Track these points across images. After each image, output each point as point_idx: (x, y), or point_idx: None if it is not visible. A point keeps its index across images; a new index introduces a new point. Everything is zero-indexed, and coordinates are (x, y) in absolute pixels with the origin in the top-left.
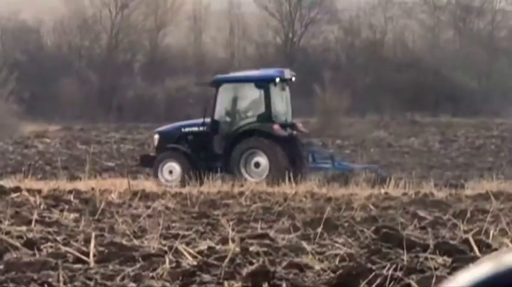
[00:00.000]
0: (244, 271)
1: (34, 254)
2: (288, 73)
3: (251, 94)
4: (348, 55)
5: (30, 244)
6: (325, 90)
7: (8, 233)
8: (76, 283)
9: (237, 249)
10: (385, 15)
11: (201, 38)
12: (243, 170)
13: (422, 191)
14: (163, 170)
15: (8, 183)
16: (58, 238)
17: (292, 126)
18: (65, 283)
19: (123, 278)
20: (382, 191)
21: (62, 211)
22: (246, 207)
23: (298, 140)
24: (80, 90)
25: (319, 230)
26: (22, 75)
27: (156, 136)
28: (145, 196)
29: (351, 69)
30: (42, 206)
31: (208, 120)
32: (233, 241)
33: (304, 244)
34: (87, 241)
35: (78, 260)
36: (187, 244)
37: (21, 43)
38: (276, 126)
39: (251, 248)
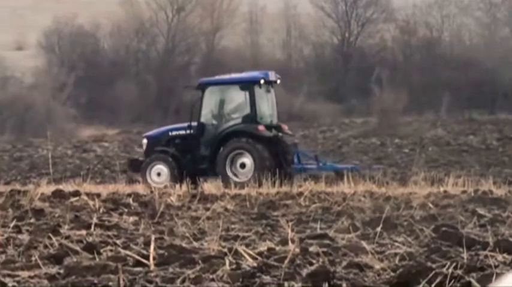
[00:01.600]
0: (304, 272)
1: (94, 258)
2: (272, 75)
3: (236, 96)
4: (405, 54)
5: (90, 248)
6: (383, 90)
7: (67, 237)
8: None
9: (297, 250)
10: (441, 13)
11: (257, 39)
12: (229, 171)
13: (482, 188)
14: (152, 173)
15: (67, 187)
16: (118, 242)
17: (278, 128)
18: None
19: (183, 281)
20: (441, 189)
21: (121, 214)
22: (305, 207)
23: (284, 141)
24: (137, 93)
25: (379, 229)
26: (79, 79)
27: (145, 140)
28: (205, 198)
29: (407, 68)
30: (101, 210)
31: (194, 123)
32: (293, 241)
33: (364, 243)
34: (147, 244)
35: (138, 264)
36: (247, 245)
37: (79, 47)
38: (260, 127)
39: (311, 249)
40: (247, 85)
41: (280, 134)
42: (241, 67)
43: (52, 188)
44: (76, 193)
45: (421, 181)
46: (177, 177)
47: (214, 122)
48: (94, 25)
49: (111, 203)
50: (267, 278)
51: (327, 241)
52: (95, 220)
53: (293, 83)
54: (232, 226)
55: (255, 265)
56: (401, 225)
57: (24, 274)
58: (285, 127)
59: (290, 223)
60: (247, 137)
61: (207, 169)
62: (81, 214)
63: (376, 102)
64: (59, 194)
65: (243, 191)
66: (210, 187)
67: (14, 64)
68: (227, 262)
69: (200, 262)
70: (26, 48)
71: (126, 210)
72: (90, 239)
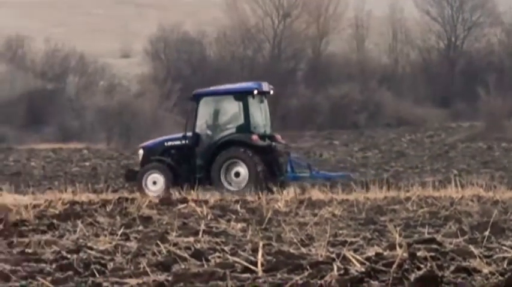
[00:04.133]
0: (412, 276)
1: (202, 265)
2: (266, 86)
3: (230, 107)
4: None
5: (198, 255)
6: (490, 94)
7: (175, 244)
8: None
9: (405, 254)
10: None
11: (363, 44)
12: (223, 180)
13: None
14: (148, 181)
15: (175, 194)
16: (226, 248)
17: (271, 137)
18: None
19: None
20: None
21: (229, 220)
22: (413, 212)
23: (277, 151)
24: None
25: (487, 233)
26: (185, 86)
27: (141, 151)
28: (312, 204)
29: None
30: (209, 217)
31: (189, 134)
32: (400, 246)
33: (472, 247)
34: (254, 250)
35: (246, 270)
36: (355, 250)
37: (185, 55)
38: (254, 137)
39: (419, 253)
40: (241, 96)
41: (273, 143)
42: (347, 72)
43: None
44: (184, 200)
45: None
46: (172, 185)
47: (209, 132)
48: (200, 32)
49: (218, 210)
50: (375, 283)
51: (434, 246)
52: (202, 227)
53: (400, 88)
54: (340, 231)
55: (363, 270)
56: (509, 229)
57: (133, 281)
58: (278, 137)
59: (398, 228)
60: (241, 146)
61: (202, 178)
62: (189, 220)
63: (483, 106)
64: (166, 201)
65: (351, 197)
66: (317, 192)
67: (121, 72)
68: (335, 268)
69: (308, 267)
70: (132, 56)
71: (233, 216)
72: (198, 246)
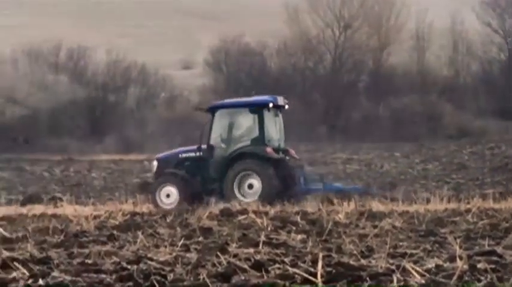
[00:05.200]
0: None
1: (262, 276)
2: (281, 100)
3: (245, 119)
4: None
5: (257, 266)
6: None
7: (235, 255)
8: None
9: (465, 266)
10: None
11: (424, 55)
12: (237, 192)
13: None
14: (161, 194)
15: (235, 206)
16: (286, 259)
17: (285, 151)
18: None
19: None
20: None
21: (289, 232)
22: (473, 224)
23: (291, 164)
24: (304, 111)
25: None
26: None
27: (155, 163)
28: (372, 216)
29: None
30: (269, 228)
31: (204, 146)
32: (461, 258)
33: None
34: (314, 262)
35: (306, 281)
36: (415, 262)
37: (245, 66)
38: (268, 149)
39: (479, 265)
40: (257, 109)
41: (287, 157)
42: (408, 84)
43: (220, 206)
44: (244, 211)
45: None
46: (186, 198)
47: (223, 144)
48: (261, 43)
49: (278, 221)
50: None
51: (495, 258)
52: (262, 238)
53: (460, 100)
54: (400, 243)
55: (423, 282)
56: None
57: None
58: (292, 152)
59: (458, 240)
60: (255, 158)
61: (215, 189)
62: (249, 232)
63: None
64: (226, 213)
65: (411, 208)
66: (377, 204)
67: (182, 83)
68: (395, 279)
69: (368, 279)
70: (193, 67)
71: (294, 228)
72: (258, 257)
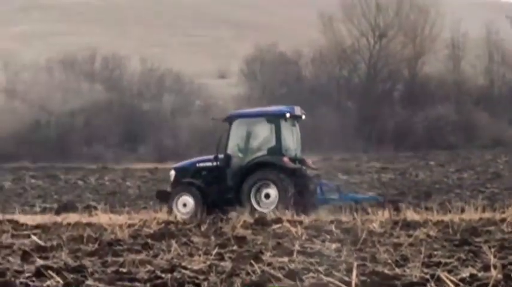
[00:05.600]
0: None
1: (296, 285)
2: (298, 110)
3: (262, 129)
4: None
5: (291, 275)
6: None
7: (269, 264)
8: None
9: (499, 276)
10: None
11: (459, 65)
12: (253, 201)
13: None
14: (178, 204)
15: (270, 215)
16: (320, 268)
17: (302, 161)
18: None
19: None
20: None
21: (323, 241)
22: (508, 234)
23: (307, 174)
24: (339, 120)
25: None
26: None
27: (172, 172)
28: (407, 225)
29: None
30: (303, 237)
31: (221, 155)
32: (495, 267)
33: None
34: (349, 271)
35: None
36: (449, 271)
37: (280, 75)
38: (285, 159)
39: None
40: (274, 118)
41: (304, 167)
42: (443, 93)
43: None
44: (278, 220)
45: None
46: (202, 208)
47: (240, 154)
48: (296, 52)
49: (313, 230)
50: None
51: None
52: (297, 247)
53: (495, 109)
54: (435, 252)
55: None
56: None
57: None
58: (309, 161)
59: (492, 249)
60: (272, 168)
61: (232, 199)
62: (283, 241)
63: None
64: (261, 221)
65: (446, 218)
66: (412, 213)
67: (217, 92)
68: None
69: None
70: (229, 76)
71: (328, 237)
72: (292, 266)
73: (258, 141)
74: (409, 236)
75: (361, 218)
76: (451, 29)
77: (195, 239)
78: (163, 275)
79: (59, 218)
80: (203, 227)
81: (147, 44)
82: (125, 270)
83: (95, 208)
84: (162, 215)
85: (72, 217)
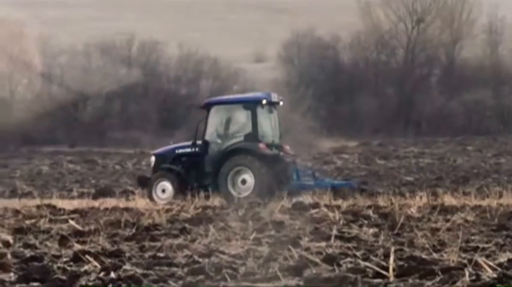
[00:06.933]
0: None
1: (333, 270)
2: (275, 97)
3: (239, 116)
4: None
5: (329, 260)
6: None
7: (307, 249)
8: None
9: None
10: None
11: (497, 50)
12: (230, 187)
13: None
14: (157, 189)
15: (308, 199)
16: (357, 253)
17: (279, 147)
18: None
19: None
20: None
21: (361, 226)
22: None
23: (284, 160)
24: (377, 105)
25: None
26: (319, 91)
27: (153, 158)
28: (445, 210)
29: None
30: (341, 222)
31: (199, 141)
32: None
33: None
34: (386, 256)
35: (377, 275)
36: (487, 256)
37: (318, 60)
38: (261, 145)
39: None
40: (250, 105)
41: (281, 153)
42: (481, 78)
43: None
44: (316, 205)
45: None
46: (180, 194)
47: (218, 140)
48: (334, 37)
49: (350, 215)
50: None
51: None
52: (334, 232)
53: None
54: (472, 237)
55: (495, 276)
56: None
57: (264, 286)
58: (287, 147)
59: None
60: (248, 154)
61: (210, 184)
62: (321, 225)
63: None
64: (298, 206)
65: (483, 203)
66: (450, 198)
67: (254, 76)
68: (467, 273)
69: (440, 273)
70: (266, 61)
71: (366, 222)
72: (329, 251)
73: (235, 127)
74: (447, 221)
75: (399, 203)
76: (488, 13)
77: (233, 223)
78: (200, 260)
79: (96, 203)
80: (241, 212)
81: (184, 29)
82: (162, 255)
83: (133, 193)
84: (200, 200)
85: (110, 202)
